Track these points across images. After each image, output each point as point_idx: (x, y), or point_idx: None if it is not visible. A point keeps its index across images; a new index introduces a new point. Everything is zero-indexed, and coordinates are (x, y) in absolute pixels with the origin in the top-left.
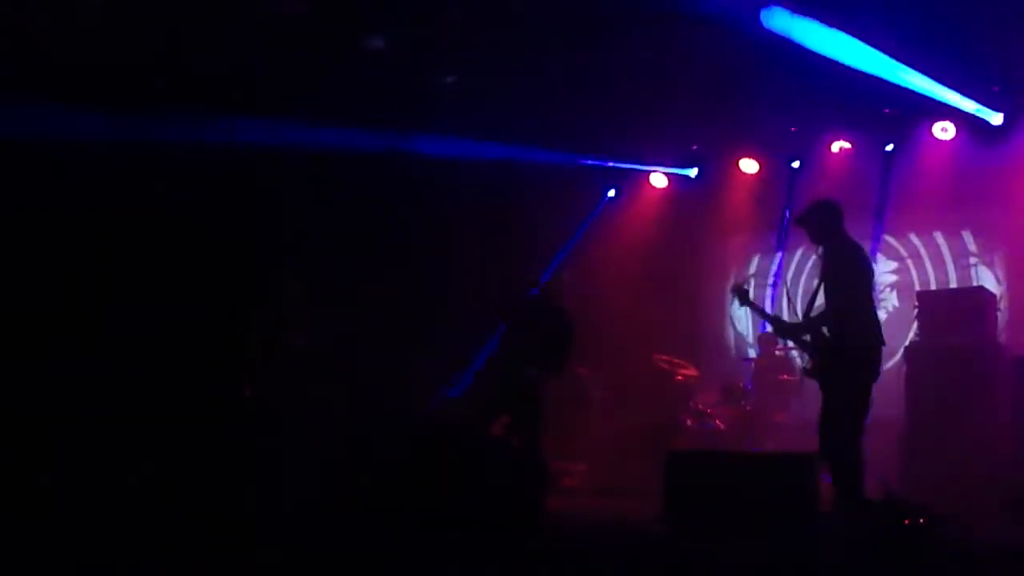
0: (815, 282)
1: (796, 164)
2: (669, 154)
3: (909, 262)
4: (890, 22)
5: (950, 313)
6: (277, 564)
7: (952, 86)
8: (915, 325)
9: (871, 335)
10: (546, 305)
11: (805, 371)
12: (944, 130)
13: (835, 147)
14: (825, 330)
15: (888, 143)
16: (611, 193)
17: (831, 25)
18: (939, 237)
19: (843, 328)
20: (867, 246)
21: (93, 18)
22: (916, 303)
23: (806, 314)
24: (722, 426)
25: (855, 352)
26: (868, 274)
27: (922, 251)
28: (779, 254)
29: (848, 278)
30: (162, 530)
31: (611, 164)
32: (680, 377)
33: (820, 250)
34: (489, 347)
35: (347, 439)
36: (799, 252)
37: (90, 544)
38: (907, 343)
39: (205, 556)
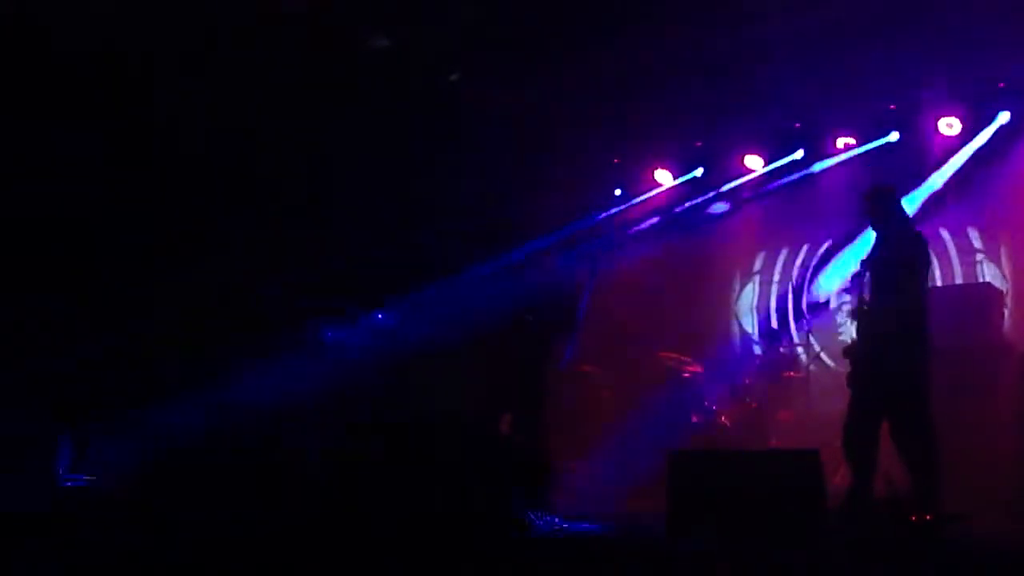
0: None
1: (800, 154)
2: (674, 152)
3: None
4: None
5: (956, 310)
6: (277, 563)
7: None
8: None
9: (921, 337)
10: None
11: (845, 351)
12: (949, 126)
13: (840, 143)
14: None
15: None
16: (617, 192)
17: None
18: (944, 233)
19: (888, 321)
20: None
21: None
22: None
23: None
24: (727, 423)
25: (897, 349)
26: (925, 265)
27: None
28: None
29: (904, 270)
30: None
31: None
32: (686, 374)
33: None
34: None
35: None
36: (804, 248)
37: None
38: None
39: (205, 555)
